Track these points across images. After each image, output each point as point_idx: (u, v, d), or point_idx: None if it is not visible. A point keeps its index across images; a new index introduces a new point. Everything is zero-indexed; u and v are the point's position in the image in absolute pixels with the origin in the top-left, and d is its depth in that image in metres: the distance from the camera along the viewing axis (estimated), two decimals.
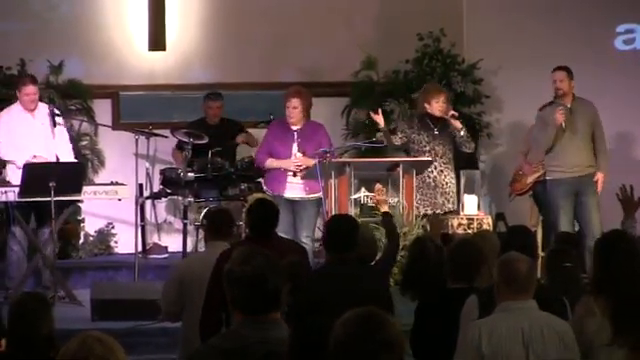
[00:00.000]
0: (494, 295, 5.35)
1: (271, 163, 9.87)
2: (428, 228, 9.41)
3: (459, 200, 10.00)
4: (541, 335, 4.94)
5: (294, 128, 9.82)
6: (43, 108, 9.79)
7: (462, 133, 9.72)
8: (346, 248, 5.88)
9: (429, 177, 9.70)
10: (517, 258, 5.14)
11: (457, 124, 9.70)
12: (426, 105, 9.80)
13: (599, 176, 9.80)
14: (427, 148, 9.74)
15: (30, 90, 9.67)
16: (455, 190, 9.88)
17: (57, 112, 9.79)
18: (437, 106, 9.72)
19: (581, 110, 9.81)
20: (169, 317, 7.06)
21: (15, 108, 9.78)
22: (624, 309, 5.20)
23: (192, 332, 6.61)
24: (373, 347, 3.15)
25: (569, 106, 9.71)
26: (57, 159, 9.69)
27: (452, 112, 9.73)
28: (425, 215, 9.62)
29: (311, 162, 9.54)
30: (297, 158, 9.74)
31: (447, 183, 9.79)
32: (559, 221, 9.79)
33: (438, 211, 9.70)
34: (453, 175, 9.90)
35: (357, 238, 5.96)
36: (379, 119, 9.78)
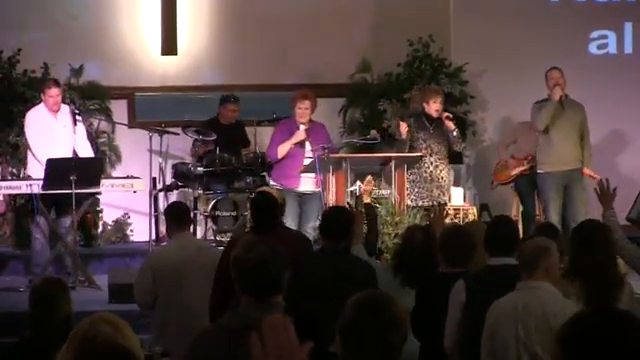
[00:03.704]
0: (480, 280, 5.28)
1: (283, 147, 9.69)
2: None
3: None
4: (532, 314, 4.81)
5: (303, 127, 9.70)
6: (65, 109, 9.69)
7: (455, 133, 9.68)
8: (340, 237, 5.76)
9: (426, 172, 9.62)
10: (536, 242, 5.04)
11: (450, 125, 9.62)
12: (424, 105, 9.74)
13: (586, 171, 9.78)
14: (424, 145, 9.67)
15: (54, 92, 9.55)
16: (449, 184, 9.81)
17: (77, 111, 9.70)
18: (434, 106, 9.65)
19: (572, 108, 9.83)
20: (143, 306, 6.81)
21: (40, 109, 9.67)
22: (598, 294, 5.13)
23: (164, 318, 6.51)
24: (382, 325, 3.12)
25: (562, 102, 9.72)
26: (76, 155, 9.61)
27: (447, 114, 9.68)
28: (420, 207, 9.52)
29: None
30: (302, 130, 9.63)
31: (442, 177, 9.73)
32: (548, 211, 9.74)
33: (433, 203, 9.59)
34: (447, 170, 9.83)
35: (351, 229, 5.83)
36: (403, 128, 9.63)
